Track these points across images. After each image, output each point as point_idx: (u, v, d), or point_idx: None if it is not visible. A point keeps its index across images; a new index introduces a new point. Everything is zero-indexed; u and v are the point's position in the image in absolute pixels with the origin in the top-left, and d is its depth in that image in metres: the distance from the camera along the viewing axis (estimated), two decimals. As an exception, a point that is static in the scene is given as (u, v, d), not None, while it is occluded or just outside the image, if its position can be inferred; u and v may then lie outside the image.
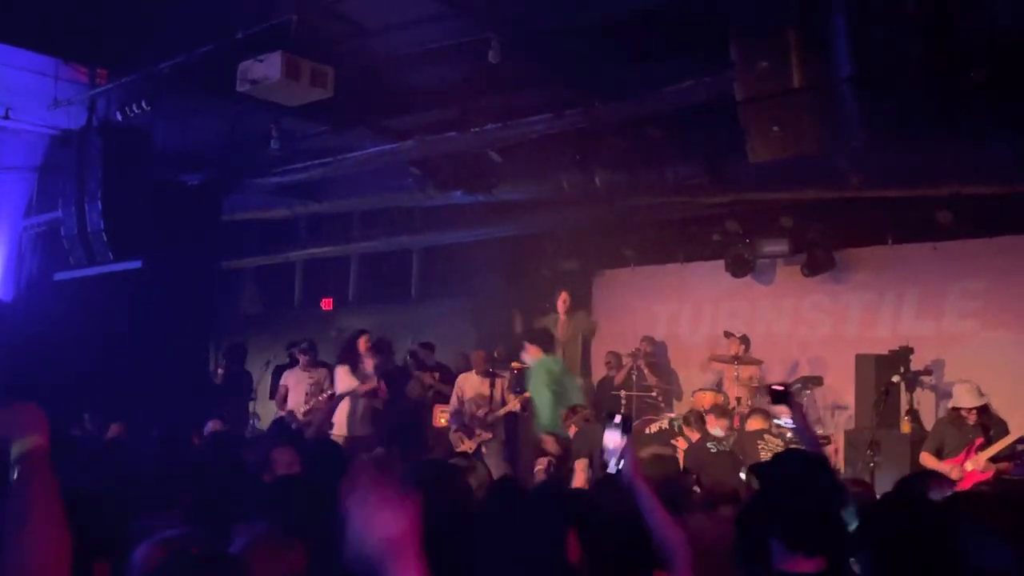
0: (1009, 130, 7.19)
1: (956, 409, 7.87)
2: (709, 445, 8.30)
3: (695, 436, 8.66)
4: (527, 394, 10.16)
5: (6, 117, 10.09)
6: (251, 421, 11.66)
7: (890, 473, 7.74)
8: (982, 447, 7.56)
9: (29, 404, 2.08)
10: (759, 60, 6.28)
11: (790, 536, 2.71)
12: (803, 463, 2.92)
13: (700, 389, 10.73)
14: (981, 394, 7.82)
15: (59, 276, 11.45)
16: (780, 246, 10.92)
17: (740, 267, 11.28)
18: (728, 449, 8.29)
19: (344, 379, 10.46)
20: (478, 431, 10.02)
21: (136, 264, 10.03)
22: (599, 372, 12.10)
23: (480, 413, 10.11)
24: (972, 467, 7.46)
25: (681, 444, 9.11)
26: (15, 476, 1.97)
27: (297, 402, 10.65)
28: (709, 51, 7.53)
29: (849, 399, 10.25)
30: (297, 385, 10.82)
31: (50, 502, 1.96)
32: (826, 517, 2.74)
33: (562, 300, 11.41)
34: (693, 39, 7.56)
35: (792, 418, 4.20)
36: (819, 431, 10.13)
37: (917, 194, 9.23)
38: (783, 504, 2.75)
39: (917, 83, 5.96)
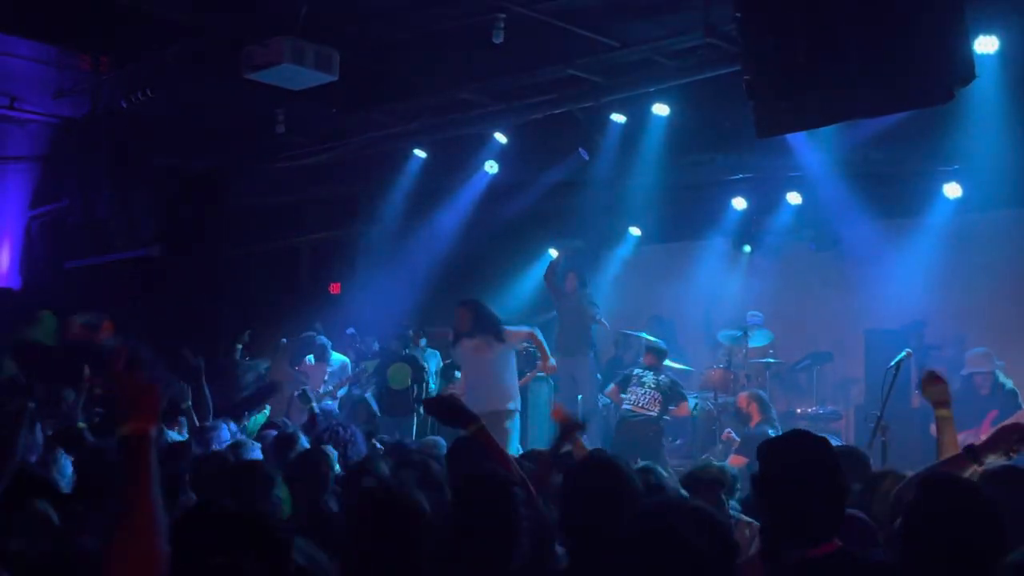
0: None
1: (969, 377, 7.85)
2: (771, 432, 7.71)
3: (755, 419, 8.12)
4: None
5: (11, 107, 10.10)
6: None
7: (900, 447, 7.73)
8: (997, 419, 7.51)
9: (154, 384, 1.99)
10: (765, 35, 6.24)
11: (797, 525, 2.67)
12: (804, 447, 2.83)
13: (711, 367, 10.73)
14: (994, 361, 7.82)
15: (68, 265, 11.48)
16: (788, 222, 10.88)
17: (748, 243, 11.23)
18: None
19: None
20: None
21: (143, 252, 10.07)
22: (605, 351, 12.06)
23: None
24: None
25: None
26: (120, 456, 1.90)
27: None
28: (713, 27, 7.51)
29: (860, 375, 10.23)
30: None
31: (146, 492, 1.85)
32: (832, 500, 2.70)
33: (569, 280, 11.31)
34: (695, 15, 7.54)
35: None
36: (829, 407, 10.18)
37: (927, 167, 9.20)
38: (789, 492, 2.69)
39: (922, 58, 5.91)
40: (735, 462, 7.00)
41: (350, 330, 12.06)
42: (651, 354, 9.65)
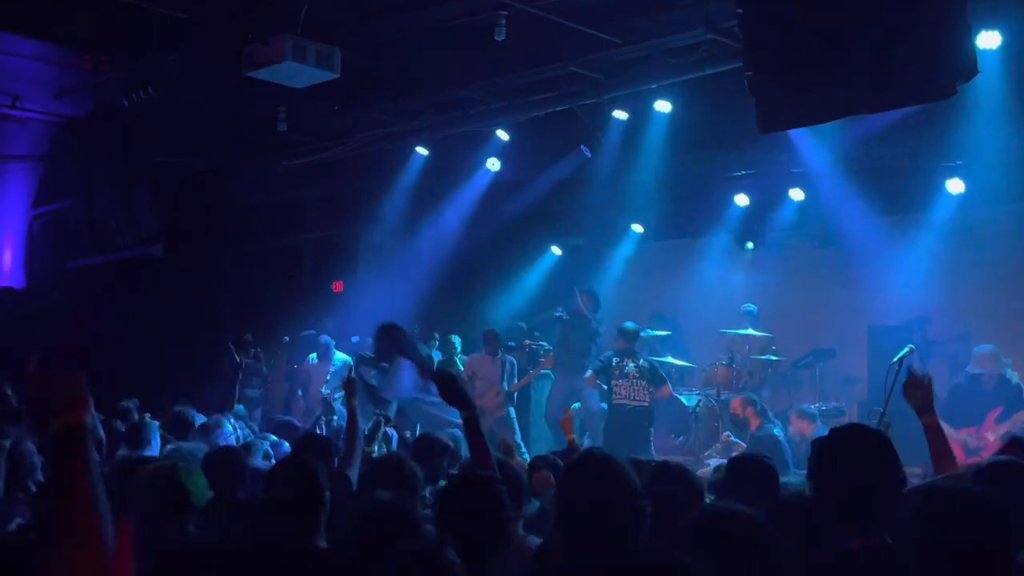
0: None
1: (975, 375, 7.83)
2: (776, 432, 7.79)
3: (755, 422, 8.00)
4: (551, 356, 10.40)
5: (12, 106, 10.10)
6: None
7: (903, 444, 7.70)
8: (1001, 416, 7.50)
9: (74, 374, 1.85)
10: (767, 31, 6.23)
11: (840, 513, 2.73)
12: (866, 441, 2.89)
13: (714, 364, 10.73)
14: (1002, 360, 7.80)
15: (70, 264, 11.48)
16: (791, 218, 10.88)
17: (750, 240, 11.23)
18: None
19: None
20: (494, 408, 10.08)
21: (145, 250, 10.06)
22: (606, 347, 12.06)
23: (492, 391, 10.15)
24: (993, 437, 7.35)
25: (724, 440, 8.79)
26: (53, 456, 1.77)
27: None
28: (714, 24, 7.50)
29: (863, 371, 10.22)
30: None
31: (85, 489, 1.73)
32: (876, 492, 2.74)
33: (584, 302, 11.03)
34: (697, 11, 7.52)
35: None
36: (832, 403, 10.16)
37: (929, 163, 9.18)
38: (835, 480, 2.75)
39: (924, 53, 5.90)
40: None
41: (355, 338, 12.02)
42: (621, 338, 9.48)
